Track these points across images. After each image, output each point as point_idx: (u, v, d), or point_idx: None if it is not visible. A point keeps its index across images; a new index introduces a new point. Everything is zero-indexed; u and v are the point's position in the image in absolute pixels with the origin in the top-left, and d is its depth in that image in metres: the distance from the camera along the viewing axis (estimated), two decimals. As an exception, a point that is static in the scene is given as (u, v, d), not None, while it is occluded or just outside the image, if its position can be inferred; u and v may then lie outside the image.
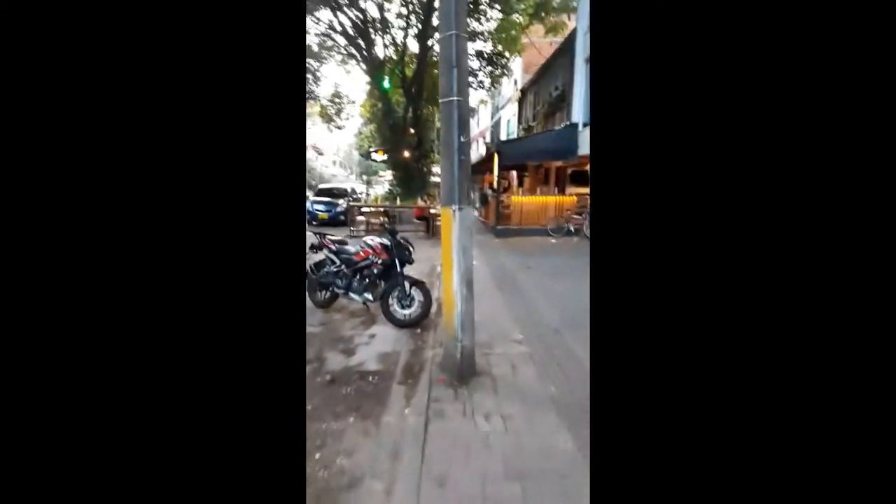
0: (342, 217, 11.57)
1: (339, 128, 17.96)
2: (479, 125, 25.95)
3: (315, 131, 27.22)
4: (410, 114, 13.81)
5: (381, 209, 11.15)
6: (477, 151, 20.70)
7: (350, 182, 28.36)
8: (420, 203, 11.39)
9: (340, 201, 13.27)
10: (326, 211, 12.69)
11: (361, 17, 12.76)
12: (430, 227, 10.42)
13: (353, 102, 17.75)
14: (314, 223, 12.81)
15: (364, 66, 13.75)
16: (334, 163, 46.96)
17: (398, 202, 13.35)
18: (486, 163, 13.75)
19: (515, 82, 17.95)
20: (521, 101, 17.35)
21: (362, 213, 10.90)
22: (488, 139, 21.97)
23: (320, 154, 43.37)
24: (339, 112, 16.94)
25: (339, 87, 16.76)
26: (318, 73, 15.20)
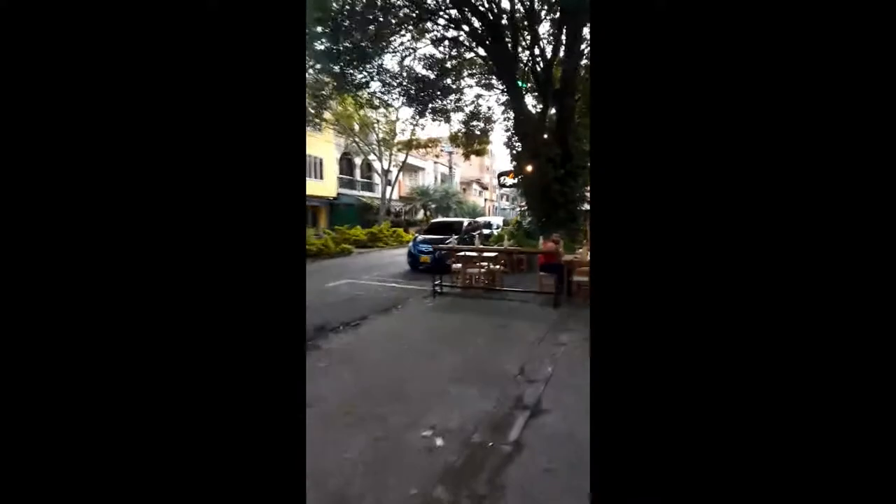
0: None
1: (476, 153, 15.09)
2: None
3: (466, 162, 25.57)
4: (551, 119, 9.87)
5: (481, 253, 7.35)
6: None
7: (506, 216, 25.04)
8: (547, 245, 6.94)
9: (452, 238, 10.12)
10: (429, 252, 9.69)
11: (492, 6, 9.78)
12: (562, 285, 6.13)
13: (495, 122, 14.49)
14: (419, 268, 9.92)
15: (496, 69, 10.63)
16: (502, 197, 45.16)
17: (503, 242, 9.35)
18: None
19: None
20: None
21: (459, 260, 7.41)
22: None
23: (484, 189, 42.27)
24: (468, 136, 13.58)
25: (479, 107, 13.14)
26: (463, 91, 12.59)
